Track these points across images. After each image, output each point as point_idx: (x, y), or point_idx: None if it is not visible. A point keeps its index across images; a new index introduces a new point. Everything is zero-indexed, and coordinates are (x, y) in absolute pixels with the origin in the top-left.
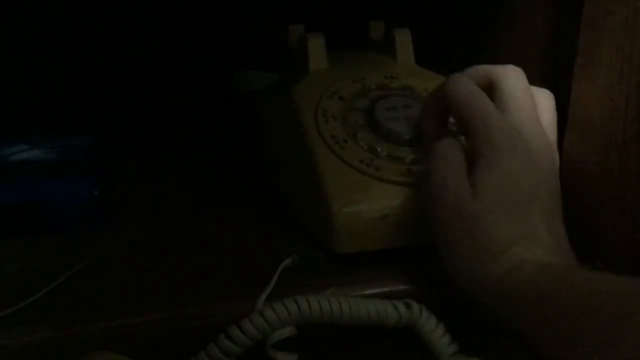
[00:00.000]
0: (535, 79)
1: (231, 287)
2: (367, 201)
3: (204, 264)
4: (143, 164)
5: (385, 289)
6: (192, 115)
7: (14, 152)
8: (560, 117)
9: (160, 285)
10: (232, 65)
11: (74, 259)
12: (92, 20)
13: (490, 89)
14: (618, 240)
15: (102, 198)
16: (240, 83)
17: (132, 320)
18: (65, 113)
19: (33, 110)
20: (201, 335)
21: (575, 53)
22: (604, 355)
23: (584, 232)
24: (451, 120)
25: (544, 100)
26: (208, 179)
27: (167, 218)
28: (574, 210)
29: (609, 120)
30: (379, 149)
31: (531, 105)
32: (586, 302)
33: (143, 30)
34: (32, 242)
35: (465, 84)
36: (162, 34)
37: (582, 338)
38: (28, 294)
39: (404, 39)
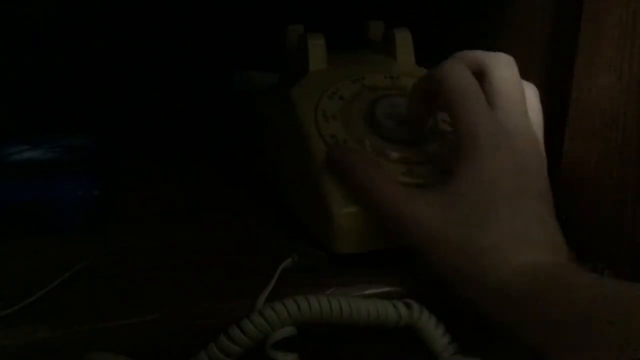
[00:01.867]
0: (535, 79)
1: (231, 287)
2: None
3: (204, 264)
4: (143, 164)
5: (386, 289)
6: (192, 115)
7: (14, 152)
8: (561, 117)
9: (160, 285)
10: (232, 66)
11: (74, 259)
12: (93, 20)
13: (480, 75)
14: (618, 240)
15: (102, 198)
16: (240, 83)
17: (132, 320)
18: (65, 113)
19: (33, 110)
20: (201, 335)
21: (575, 53)
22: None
23: (584, 232)
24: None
25: (530, 98)
26: (208, 178)
27: (167, 218)
28: (574, 211)
29: (609, 120)
30: (379, 149)
31: (521, 99)
32: (582, 306)
33: (143, 30)
34: (32, 242)
35: (458, 71)
36: (161, 34)
37: (580, 343)
38: (28, 294)
39: (403, 39)
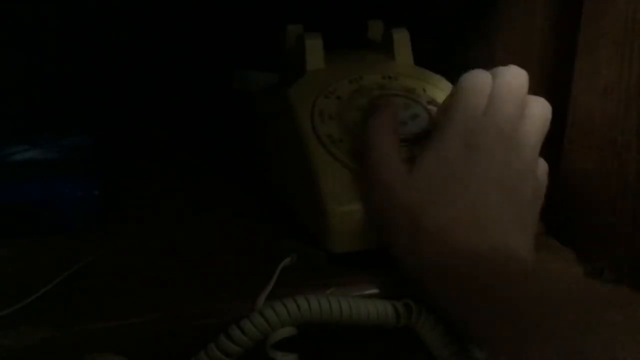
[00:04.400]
0: (535, 79)
1: (231, 287)
2: (362, 200)
3: (204, 264)
4: (143, 164)
5: (385, 289)
6: (192, 115)
7: (14, 152)
8: (560, 117)
9: (160, 285)
10: (231, 65)
11: (74, 259)
12: (93, 20)
13: None
14: (618, 240)
15: (103, 198)
16: (239, 83)
17: (132, 320)
18: (65, 113)
19: (33, 110)
20: (201, 335)
21: (575, 53)
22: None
23: (584, 232)
24: None
25: (536, 109)
26: (207, 178)
27: (167, 218)
28: (574, 211)
29: (609, 120)
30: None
31: (513, 108)
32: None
33: (143, 30)
34: (32, 242)
35: (478, 73)
36: (161, 34)
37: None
38: (28, 294)
39: (402, 39)
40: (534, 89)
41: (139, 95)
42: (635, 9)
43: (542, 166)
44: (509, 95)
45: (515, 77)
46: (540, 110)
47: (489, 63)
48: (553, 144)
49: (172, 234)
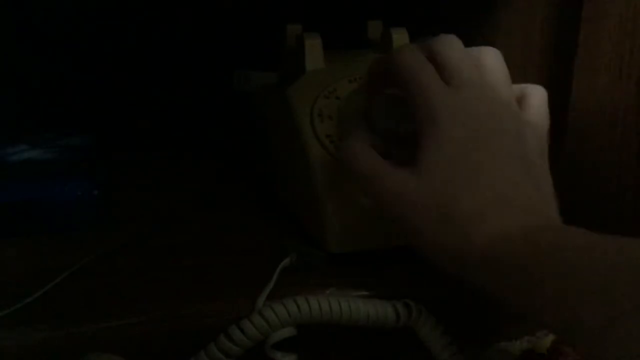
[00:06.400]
0: (535, 79)
1: (231, 287)
2: (362, 201)
3: (204, 264)
4: (143, 164)
5: (385, 289)
6: (192, 115)
7: (14, 152)
8: (560, 117)
9: (159, 285)
10: (232, 65)
11: (74, 258)
12: (92, 20)
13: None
14: None
15: (102, 197)
16: (239, 83)
17: (132, 320)
18: (64, 113)
19: (33, 110)
20: (201, 335)
21: (575, 53)
22: (597, 311)
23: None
24: None
25: (490, 59)
26: (207, 178)
27: (167, 218)
28: (574, 210)
29: (609, 120)
30: (375, 149)
31: (474, 72)
32: (570, 269)
33: (143, 30)
34: (32, 242)
35: (412, 52)
36: (161, 34)
37: (572, 307)
38: (28, 294)
39: (401, 39)
40: None
41: (139, 95)
42: (635, 10)
43: (535, 115)
44: (462, 63)
45: (454, 44)
46: (494, 58)
47: None
48: (553, 144)
49: (172, 233)
